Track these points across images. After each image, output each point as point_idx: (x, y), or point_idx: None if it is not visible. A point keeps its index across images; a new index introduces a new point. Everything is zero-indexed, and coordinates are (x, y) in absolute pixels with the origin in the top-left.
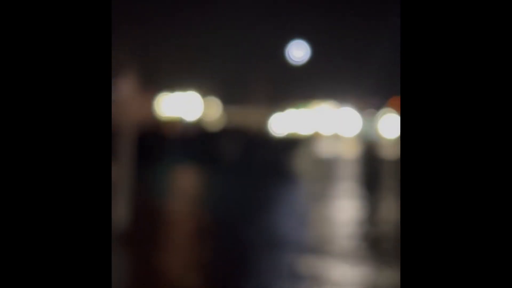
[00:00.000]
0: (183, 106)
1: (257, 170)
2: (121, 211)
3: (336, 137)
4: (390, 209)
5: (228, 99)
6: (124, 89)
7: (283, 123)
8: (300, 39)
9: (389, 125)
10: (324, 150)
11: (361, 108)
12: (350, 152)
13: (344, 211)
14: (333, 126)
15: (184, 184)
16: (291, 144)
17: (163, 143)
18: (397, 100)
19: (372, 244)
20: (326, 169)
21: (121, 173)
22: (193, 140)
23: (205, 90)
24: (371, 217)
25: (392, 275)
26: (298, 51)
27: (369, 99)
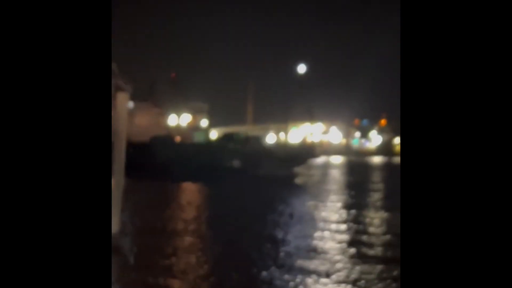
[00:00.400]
0: (177, 124)
1: (258, 176)
2: (112, 221)
3: (326, 147)
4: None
5: (219, 121)
6: (120, 104)
7: (276, 137)
8: (299, 64)
9: (374, 140)
10: (316, 158)
11: (350, 128)
12: (338, 159)
13: (336, 221)
14: (324, 139)
15: (180, 192)
16: (286, 152)
17: (163, 153)
18: (384, 121)
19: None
20: (320, 173)
21: (115, 184)
22: (191, 149)
23: (198, 111)
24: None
25: None
26: (300, 70)
27: (359, 120)
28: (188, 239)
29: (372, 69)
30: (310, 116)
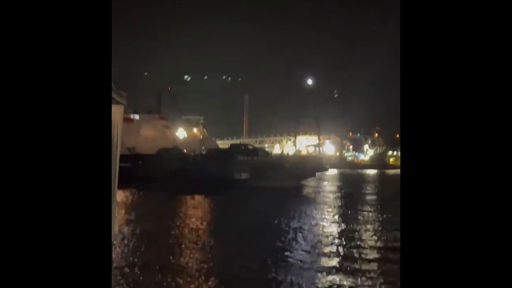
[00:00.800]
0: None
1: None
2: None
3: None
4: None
5: (214, 134)
6: (114, 116)
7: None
8: (296, 79)
9: (367, 152)
10: (325, 171)
11: (344, 141)
12: (333, 171)
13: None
14: (319, 150)
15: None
16: (295, 164)
17: (170, 165)
18: (376, 134)
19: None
20: (321, 185)
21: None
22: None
23: (194, 124)
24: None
25: None
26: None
27: (353, 134)
28: (187, 253)
29: (367, 84)
30: (317, 128)
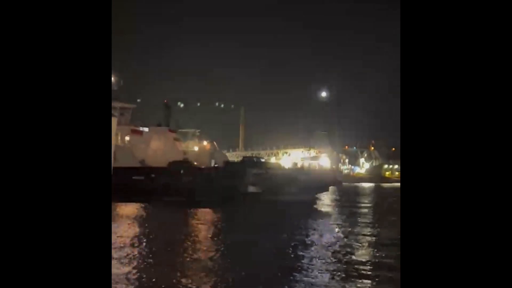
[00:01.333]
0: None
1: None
2: None
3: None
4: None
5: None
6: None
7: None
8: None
9: (363, 166)
10: (340, 185)
11: (340, 154)
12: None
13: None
14: (315, 163)
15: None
16: (309, 178)
17: (182, 178)
18: (372, 148)
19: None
20: (326, 198)
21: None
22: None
23: (190, 137)
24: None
25: None
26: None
27: (349, 147)
28: (195, 266)
29: (364, 98)
30: (329, 140)
